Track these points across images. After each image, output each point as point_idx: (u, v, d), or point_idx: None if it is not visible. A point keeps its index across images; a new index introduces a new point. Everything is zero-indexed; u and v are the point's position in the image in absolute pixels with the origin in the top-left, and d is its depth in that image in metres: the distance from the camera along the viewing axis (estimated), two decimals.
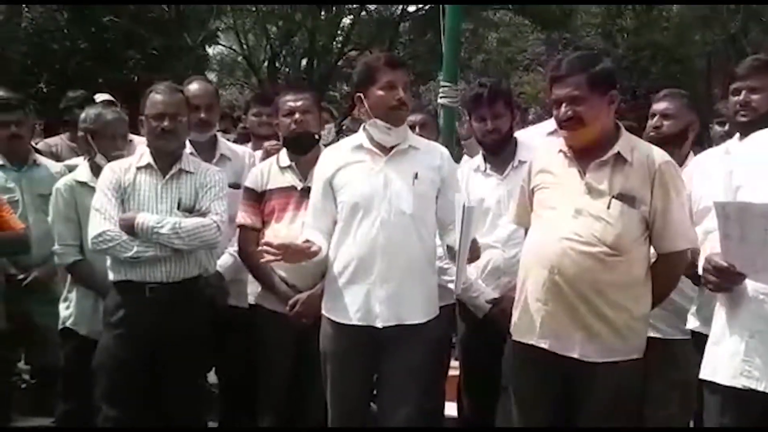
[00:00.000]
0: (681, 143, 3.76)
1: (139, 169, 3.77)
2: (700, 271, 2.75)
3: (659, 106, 3.91)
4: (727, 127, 4.13)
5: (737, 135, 3.50)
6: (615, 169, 3.11)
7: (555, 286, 3.10)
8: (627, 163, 3.10)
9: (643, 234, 3.11)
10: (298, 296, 3.76)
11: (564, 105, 3.11)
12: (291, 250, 3.29)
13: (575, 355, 3.10)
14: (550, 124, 4.24)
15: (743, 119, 3.42)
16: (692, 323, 3.39)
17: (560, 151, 3.23)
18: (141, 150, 3.89)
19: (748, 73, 3.46)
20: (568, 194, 3.15)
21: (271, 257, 3.25)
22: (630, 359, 3.11)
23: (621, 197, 3.07)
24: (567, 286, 3.08)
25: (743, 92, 3.44)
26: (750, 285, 2.59)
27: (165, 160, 3.77)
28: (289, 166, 3.92)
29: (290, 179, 3.90)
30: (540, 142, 3.92)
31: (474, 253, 3.34)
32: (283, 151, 3.99)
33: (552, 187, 3.22)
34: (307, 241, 3.36)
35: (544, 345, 3.14)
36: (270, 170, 3.97)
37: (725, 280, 2.60)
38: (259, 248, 3.31)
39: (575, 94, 3.08)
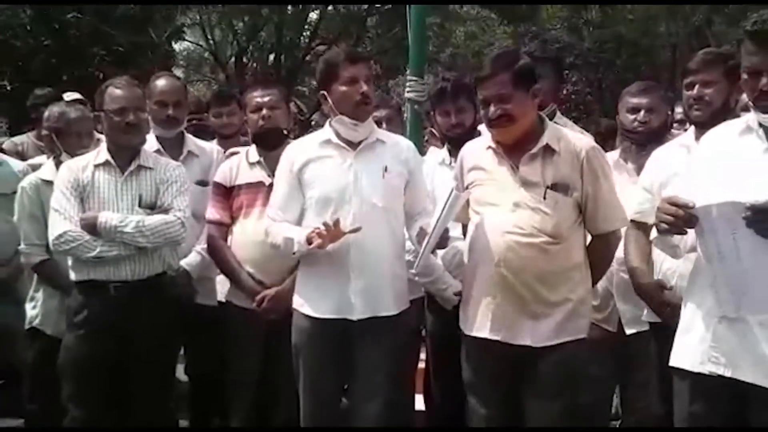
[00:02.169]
0: (664, 136, 3.77)
1: (96, 166, 3.71)
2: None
3: (642, 100, 3.86)
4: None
5: (691, 129, 3.53)
6: (545, 160, 3.20)
7: (502, 279, 3.18)
8: (555, 153, 3.20)
9: (577, 219, 3.23)
10: (266, 292, 3.75)
11: (492, 104, 3.19)
12: (335, 231, 3.26)
13: (528, 343, 3.18)
14: None
15: (698, 113, 3.43)
16: (649, 315, 3.43)
17: (488, 147, 3.29)
18: (99, 147, 3.83)
19: (700, 67, 3.47)
20: (504, 189, 3.22)
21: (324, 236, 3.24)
22: (575, 339, 3.21)
23: (554, 187, 3.17)
24: (513, 277, 3.16)
25: (696, 86, 3.44)
26: (715, 271, 2.61)
27: (124, 157, 3.72)
28: (258, 162, 3.91)
29: (259, 174, 3.88)
30: None
31: (442, 242, 3.37)
32: (253, 147, 3.98)
33: (486, 183, 3.29)
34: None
35: (497, 337, 3.21)
36: (239, 165, 3.95)
37: (680, 218, 2.57)
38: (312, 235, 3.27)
39: (502, 93, 3.16)
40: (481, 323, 3.25)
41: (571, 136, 3.28)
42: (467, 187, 3.34)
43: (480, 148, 3.35)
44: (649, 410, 3.50)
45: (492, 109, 3.19)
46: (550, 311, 3.17)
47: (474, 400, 3.34)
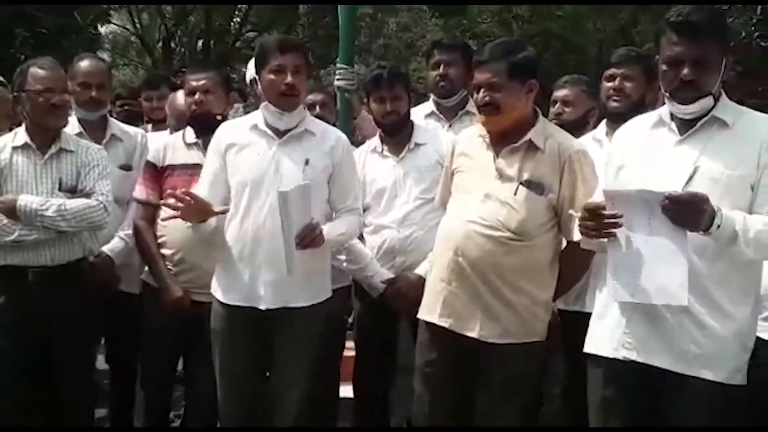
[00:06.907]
0: (581, 129, 3.84)
1: (14, 149, 3.60)
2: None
3: (560, 93, 3.99)
4: None
5: (603, 123, 3.66)
6: (526, 156, 3.18)
7: (458, 267, 3.18)
8: (539, 151, 3.17)
9: (550, 221, 3.19)
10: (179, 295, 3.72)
11: (482, 90, 3.17)
12: (195, 204, 3.24)
13: (474, 335, 3.17)
14: (428, 106, 4.33)
15: (616, 104, 3.62)
16: (559, 302, 3.46)
17: (479, 135, 3.28)
18: (15, 129, 3.72)
19: (624, 61, 3.67)
20: (481, 178, 3.22)
21: (172, 204, 3.21)
22: (529, 342, 3.19)
23: (528, 184, 3.15)
24: (469, 267, 3.16)
25: (617, 79, 3.64)
26: (618, 257, 2.64)
27: (43, 139, 3.62)
28: (195, 143, 3.84)
29: (195, 156, 3.80)
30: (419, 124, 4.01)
31: (352, 232, 3.47)
32: (189, 128, 3.90)
33: (468, 170, 3.29)
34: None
35: (444, 324, 3.22)
36: (174, 145, 3.88)
37: (600, 223, 2.60)
38: (166, 195, 3.26)
39: (494, 81, 3.14)
40: (432, 308, 3.26)
41: (561, 137, 3.22)
42: (453, 173, 3.34)
43: (472, 136, 3.34)
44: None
45: (481, 95, 3.16)
46: (505, 308, 3.15)
47: (423, 386, 3.34)
